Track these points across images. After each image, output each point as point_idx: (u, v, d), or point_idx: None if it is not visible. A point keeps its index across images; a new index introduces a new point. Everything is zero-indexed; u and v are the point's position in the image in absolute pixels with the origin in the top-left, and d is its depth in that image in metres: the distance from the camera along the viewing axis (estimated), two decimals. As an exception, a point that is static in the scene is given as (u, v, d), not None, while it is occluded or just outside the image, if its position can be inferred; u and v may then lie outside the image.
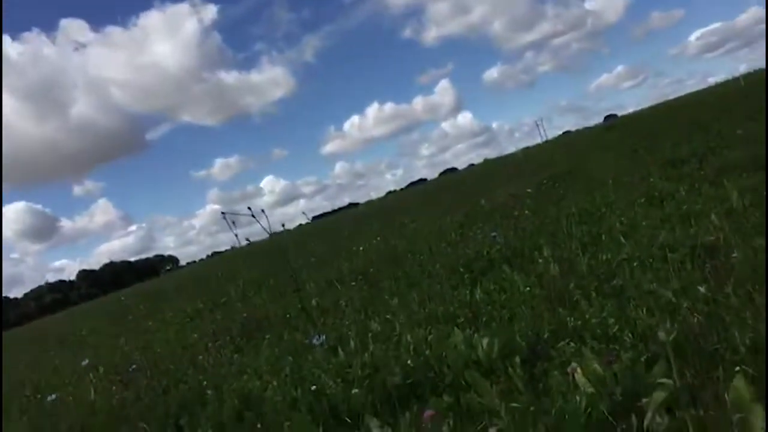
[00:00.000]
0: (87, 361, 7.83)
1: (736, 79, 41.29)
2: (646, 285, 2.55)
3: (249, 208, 3.62)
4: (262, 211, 3.68)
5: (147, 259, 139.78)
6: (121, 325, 14.69)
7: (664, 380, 1.99)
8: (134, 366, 7.00)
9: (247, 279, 14.39)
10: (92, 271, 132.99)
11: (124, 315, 17.51)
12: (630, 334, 3.19)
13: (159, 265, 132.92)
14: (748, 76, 40.68)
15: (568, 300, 4.30)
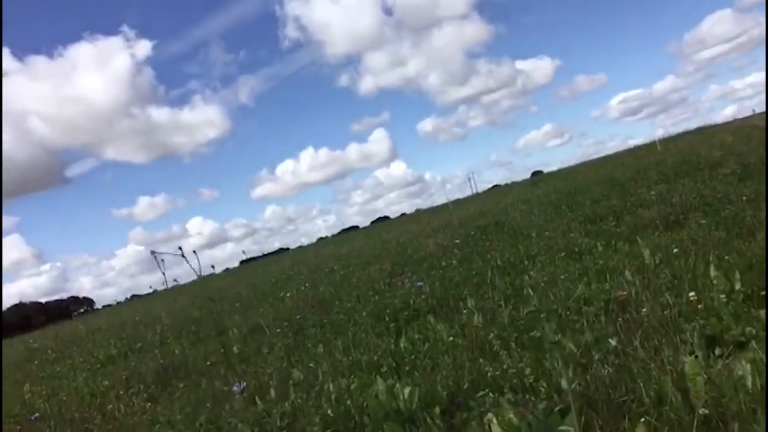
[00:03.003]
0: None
1: (653, 143, 43.95)
2: (552, 336, 2.63)
3: (180, 248, 3.51)
4: (194, 252, 3.58)
5: (60, 301, 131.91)
6: (25, 371, 13.74)
7: (566, 428, 2.04)
8: (37, 414, 6.54)
9: (167, 324, 13.86)
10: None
11: (30, 359, 16.42)
12: (545, 385, 3.26)
13: (73, 307, 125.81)
14: (663, 142, 43.42)
15: (489, 350, 4.37)
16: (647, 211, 8.85)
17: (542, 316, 2.50)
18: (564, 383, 2.32)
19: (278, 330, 7.99)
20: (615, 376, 3.06)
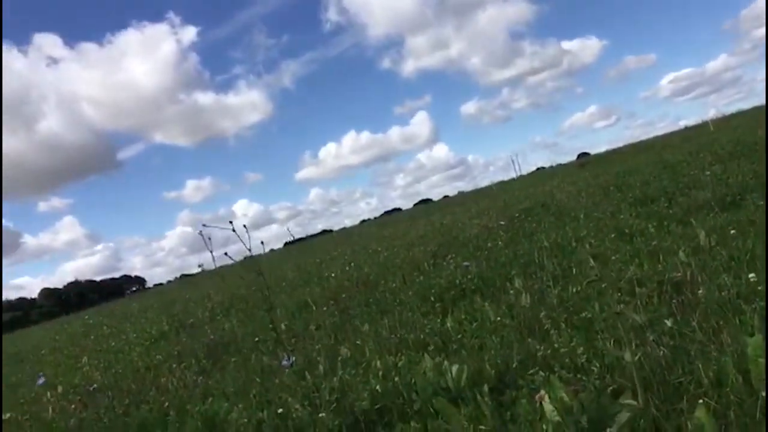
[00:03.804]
0: (44, 379, 7.59)
1: (705, 124, 42.51)
2: (614, 307, 2.56)
3: (230, 222, 3.57)
4: (244, 226, 3.63)
5: (113, 279, 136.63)
6: (82, 345, 14.31)
7: (629, 401, 2.00)
8: (95, 386, 6.81)
9: (216, 301, 14.19)
10: (55, 290, 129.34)
11: (86, 335, 17.09)
12: (597, 365, 3.21)
13: (125, 286, 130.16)
14: (716, 122, 41.88)
15: (538, 330, 4.33)
16: (701, 192, 8.57)
17: (603, 286, 2.43)
18: (627, 356, 2.27)
19: (325, 308, 8.08)
20: (671, 357, 2.99)
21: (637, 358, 2.48)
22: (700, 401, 2.37)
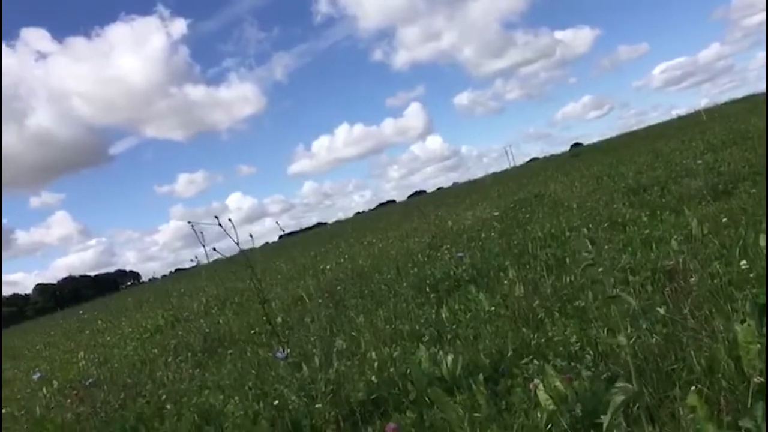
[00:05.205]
0: (38, 374, 7.59)
1: (698, 113, 42.63)
2: (609, 292, 2.56)
3: (216, 217, 3.57)
4: (229, 220, 3.64)
5: (108, 274, 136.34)
6: (78, 340, 14.29)
7: (623, 384, 2.02)
8: (90, 380, 6.81)
9: (211, 295, 14.19)
10: (50, 285, 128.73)
11: (81, 329, 17.06)
12: (591, 353, 3.24)
13: (120, 280, 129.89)
14: (709, 111, 41.99)
15: (532, 319, 4.36)
16: (694, 181, 8.61)
17: (600, 270, 2.44)
18: (621, 339, 2.29)
19: (320, 301, 8.09)
20: (664, 345, 3.02)
21: (631, 342, 2.49)
22: (693, 388, 2.39)
